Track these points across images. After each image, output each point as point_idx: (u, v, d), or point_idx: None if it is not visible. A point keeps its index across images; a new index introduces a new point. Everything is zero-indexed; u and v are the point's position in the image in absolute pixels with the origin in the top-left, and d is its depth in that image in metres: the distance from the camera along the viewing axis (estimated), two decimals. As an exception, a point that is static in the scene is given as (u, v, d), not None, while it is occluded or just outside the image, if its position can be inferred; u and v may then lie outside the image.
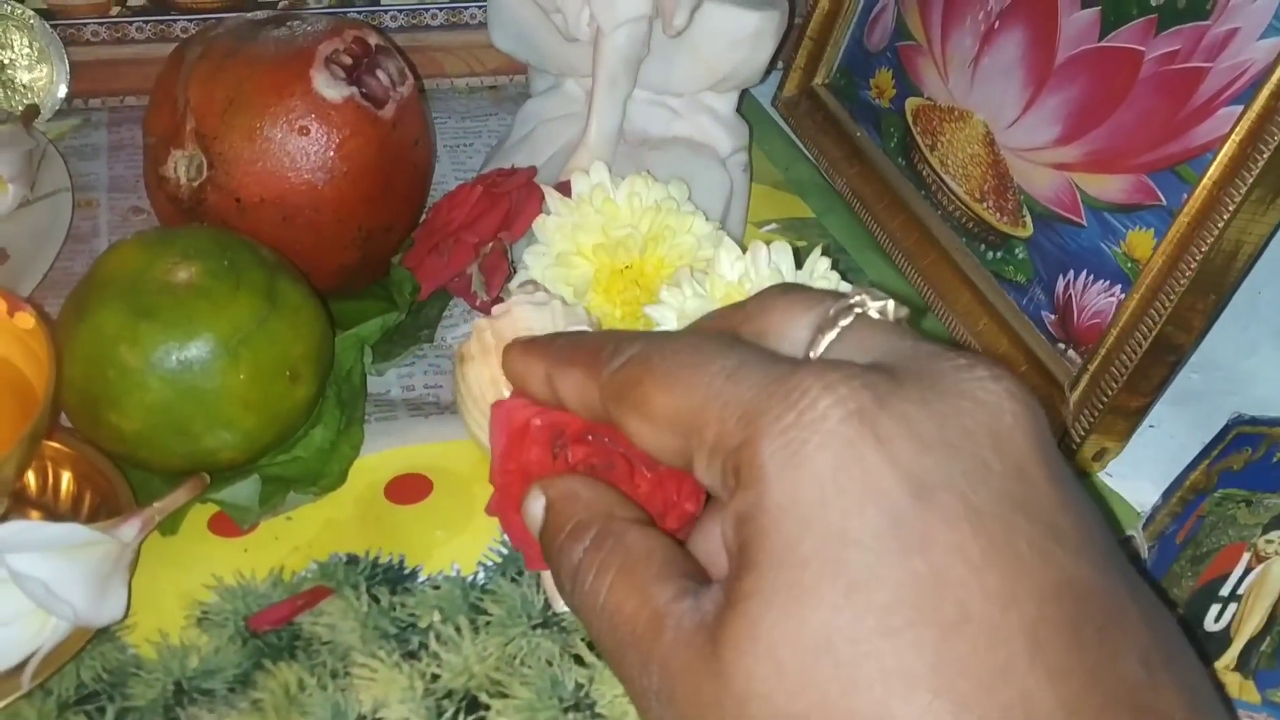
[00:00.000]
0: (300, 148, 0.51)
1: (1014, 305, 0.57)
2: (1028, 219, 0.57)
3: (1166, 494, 0.49)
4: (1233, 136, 0.46)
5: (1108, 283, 0.52)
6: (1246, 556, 0.40)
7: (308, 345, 0.47)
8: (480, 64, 0.75)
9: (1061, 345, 0.55)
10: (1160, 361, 0.50)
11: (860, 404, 0.24)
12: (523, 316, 0.48)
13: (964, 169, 0.61)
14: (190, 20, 0.71)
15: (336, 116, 0.52)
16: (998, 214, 0.59)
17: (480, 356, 0.48)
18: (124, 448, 0.46)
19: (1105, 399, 0.51)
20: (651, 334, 0.30)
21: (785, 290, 0.30)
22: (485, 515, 0.48)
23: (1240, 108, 0.46)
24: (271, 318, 0.46)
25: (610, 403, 0.29)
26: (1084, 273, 0.53)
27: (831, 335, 0.27)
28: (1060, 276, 0.55)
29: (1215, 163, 0.47)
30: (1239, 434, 0.49)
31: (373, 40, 0.55)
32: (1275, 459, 0.45)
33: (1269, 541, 0.40)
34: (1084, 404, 0.52)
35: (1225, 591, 0.39)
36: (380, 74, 0.54)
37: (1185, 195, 0.48)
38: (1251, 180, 0.45)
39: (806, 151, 0.73)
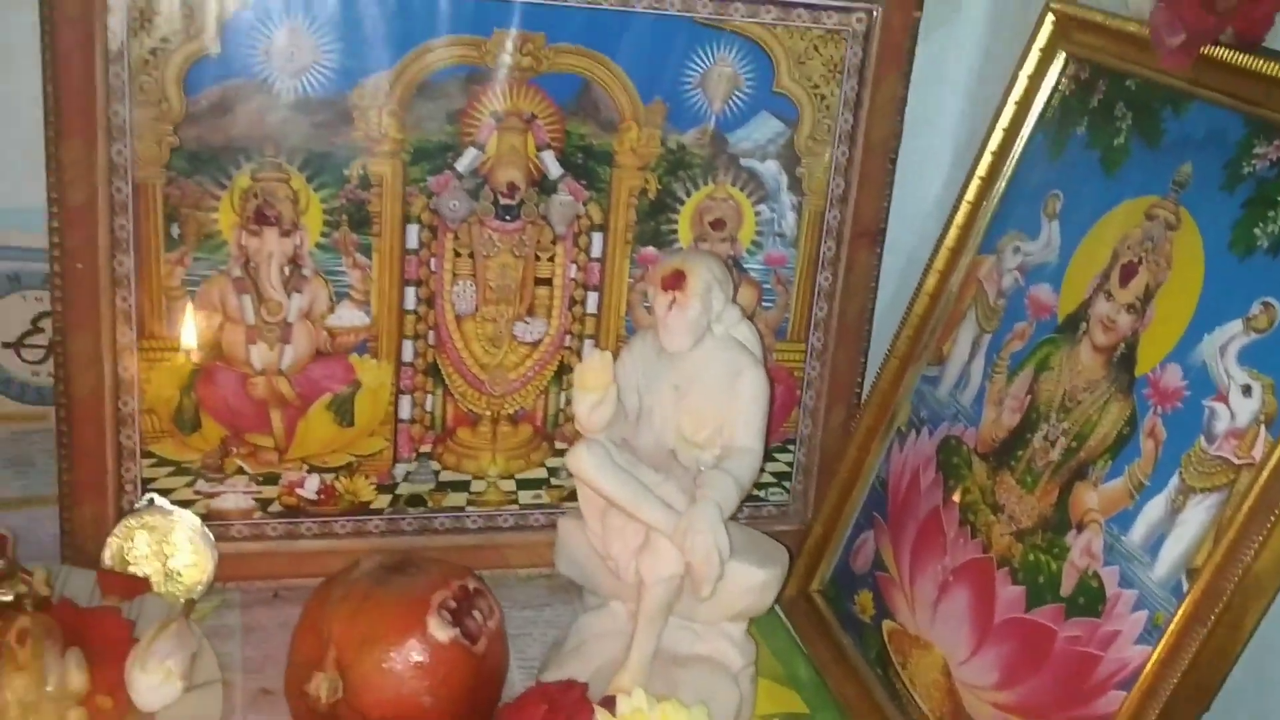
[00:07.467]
0: (416, 677, 0.67)
1: (969, 815, 0.71)
2: (978, 746, 0.71)
3: None
4: (1119, 716, 0.62)
5: (1037, 811, 0.66)
6: None
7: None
8: (540, 559, 0.92)
9: None
10: None
11: None
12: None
13: (928, 690, 0.77)
14: (314, 521, 0.89)
15: (443, 653, 0.68)
16: (955, 735, 0.74)
17: None
18: None
19: None
20: None
21: None
22: None
23: (1124, 693, 0.62)
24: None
25: None
26: (1019, 799, 0.68)
27: None
28: (1002, 798, 0.69)
29: (1107, 734, 0.62)
30: None
31: (471, 585, 0.72)
32: None
33: None
34: None
35: None
36: (476, 614, 0.71)
37: (1090, 754, 0.63)
38: (1133, 756, 0.60)
39: (804, 649, 0.89)
